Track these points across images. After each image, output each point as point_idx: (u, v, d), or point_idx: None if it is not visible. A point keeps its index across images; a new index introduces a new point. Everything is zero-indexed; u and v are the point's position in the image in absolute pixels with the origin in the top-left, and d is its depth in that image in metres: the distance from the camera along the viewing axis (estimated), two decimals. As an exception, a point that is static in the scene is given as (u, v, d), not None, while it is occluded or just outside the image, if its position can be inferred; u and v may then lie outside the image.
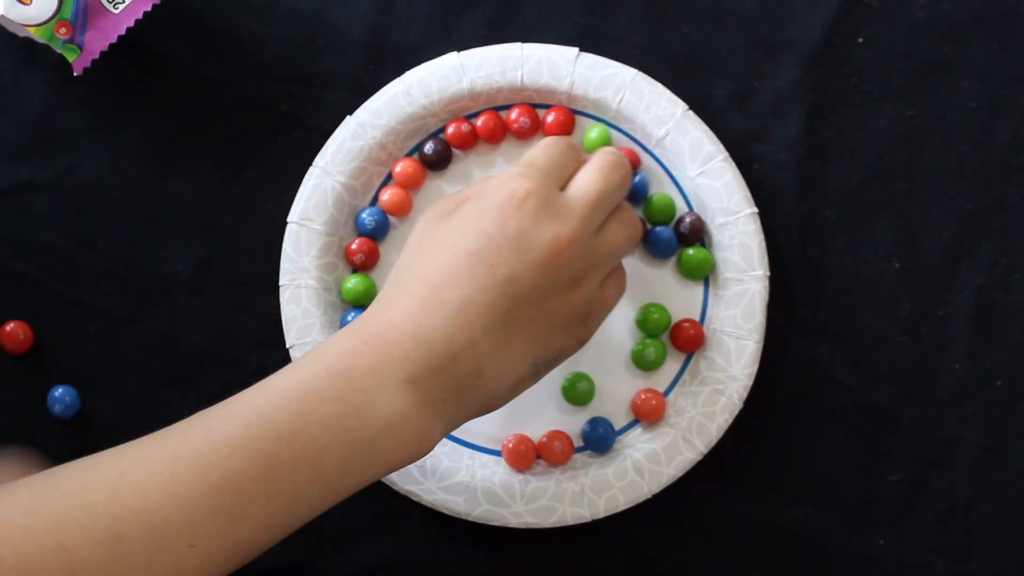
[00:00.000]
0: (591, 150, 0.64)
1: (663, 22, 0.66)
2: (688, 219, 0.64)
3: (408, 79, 0.64)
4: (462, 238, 0.55)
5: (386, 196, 0.65)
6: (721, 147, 0.64)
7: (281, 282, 0.64)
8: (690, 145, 0.64)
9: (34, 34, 0.61)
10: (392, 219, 0.65)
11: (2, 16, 0.61)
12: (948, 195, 0.66)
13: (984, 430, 0.65)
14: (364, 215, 0.64)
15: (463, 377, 0.53)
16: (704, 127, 0.64)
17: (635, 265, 0.65)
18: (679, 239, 0.64)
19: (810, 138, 0.66)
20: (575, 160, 0.59)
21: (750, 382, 0.63)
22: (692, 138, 0.64)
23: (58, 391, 0.64)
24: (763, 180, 0.65)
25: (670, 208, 0.65)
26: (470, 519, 0.63)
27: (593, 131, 0.64)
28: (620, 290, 0.60)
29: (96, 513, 0.48)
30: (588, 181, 0.57)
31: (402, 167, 0.65)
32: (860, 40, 0.66)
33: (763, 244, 0.64)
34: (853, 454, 0.65)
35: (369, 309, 0.55)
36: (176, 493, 0.49)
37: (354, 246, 0.64)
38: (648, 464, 0.63)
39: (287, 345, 0.64)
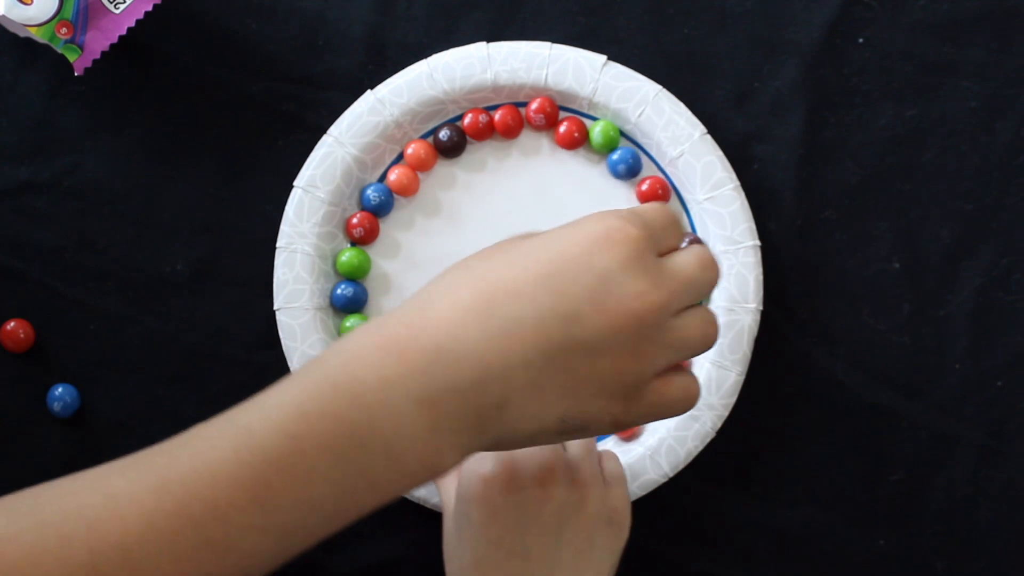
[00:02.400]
0: (597, 147, 0.64)
1: (663, 22, 0.66)
2: (687, 241, 0.64)
3: (434, 62, 0.64)
4: (538, 257, 0.48)
5: (394, 175, 0.65)
6: (733, 175, 0.64)
7: (278, 244, 0.64)
8: (703, 169, 0.64)
9: (35, 34, 0.62)
10: (397, 198, 0.65)
11: (3, 16, 0.61)
12: (948, 195, 0.66)
13: (984, 430, 0.65)
14: (369, 191, 0.64)
15: (486, 407, 0.47)
16: (719, 153, 0.64)
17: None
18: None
19: (810, 138, 0.66)
20: (676, 235, 0.52)
21: (726, 412, 0.63)
22: (705, 162, 0.64)
23: (58, 390, 0.64)
24: (763, 180, 0.65)
25: None
26: (428, 506, 0.63)
27: (596, 127, 0.64)
28: (687, 396, 0.51)
29: (74, 546, 0.45)
30: (689, 261, 0.51)
31: (414, 148, 0.65)
32: (860, 40, 0.66)
33: (760, 278, 0.64)
34: (853, 454, 0.65)
35: (403, 304, 0.49)
36: (158, 526, 0.45)
37: (355, 220, 0.64)
38: None
39: (275, 307, 0.64)
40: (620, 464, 0.59)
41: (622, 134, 0.65)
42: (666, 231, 0.51)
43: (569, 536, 0.54)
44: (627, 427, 0.51)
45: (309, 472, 0.46)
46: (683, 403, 0.51)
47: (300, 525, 0.46)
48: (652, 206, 0.52)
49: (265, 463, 0.45)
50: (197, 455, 0.46)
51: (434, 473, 0.47)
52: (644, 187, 0.64)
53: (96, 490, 0.46)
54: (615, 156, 0.64)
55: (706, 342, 0.51)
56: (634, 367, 0.49)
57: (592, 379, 0.48)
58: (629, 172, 0.65)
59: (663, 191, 0.64)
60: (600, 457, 0.58)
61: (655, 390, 0.50)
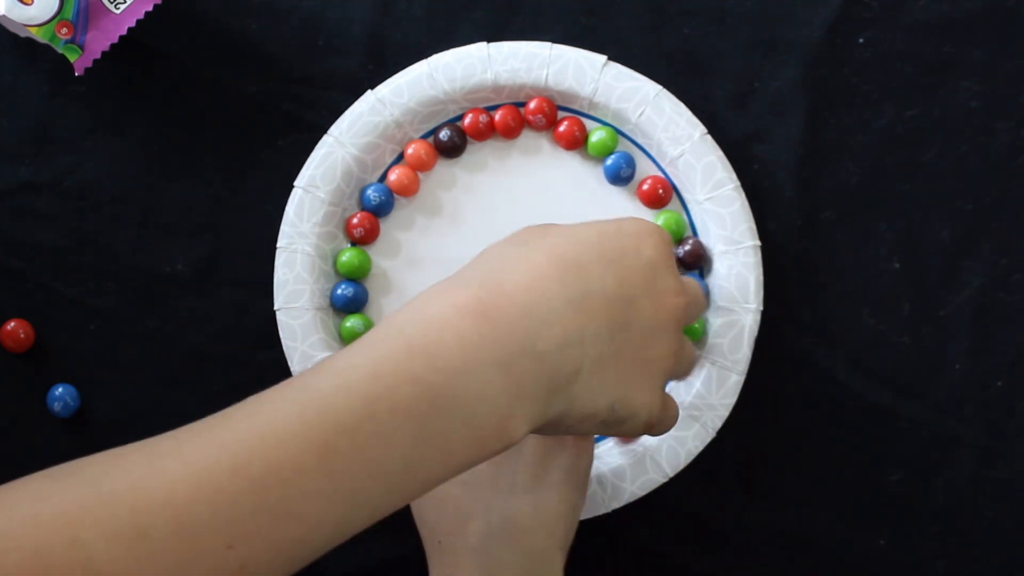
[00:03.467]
0: (595, 152, 0.64)
1: (663, 22, 0.66)
2: (688, 244, 0.64)
3: (434, 62, 0.64)
4: (595, 241, 0.50)
5: (394, 176, 0.65)
6: (733, 175, 0.64)
7: (278, 244, 0.64)
8: (703, 169, 0.64)
9: (35, 34, 0.62)
10: (398, 198, 0.65)
11: (3, 16, 0.61)
12: (948, 195, 0.66)
13: (984, 430, 0.65)
14: (370, 191, 0.64)
15: (560, 376, 0.47)
16: (719, 153, 0.64)
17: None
18: (677, 262, 0.64)
19: (810, 138, 0.66)
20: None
21: (726, 413, 0.63)
22: (706, 162, 0.64)
23: (58, 390, 0.64)
24: (763, 180, 0.65)
25: (681, 230, 0.65)
26: None
27: (595, 134, 0.64)
28: (676, 415, 0.55)
29: (116, 506, 0.42)
30: (693, 282, 0.56)
31: (415, 149, 0.65)
32: (860, 40, 0.66)
33: (760, 279, 0.64)
34: (853, 454, 0.65)
35: (468, 267, 0.49)
36: (211, 485, 0.42)
37: (355, 220, 0.65)
38: (613, 479, 0.63)
39: (275, 307, 0.64)
40: None
41: (623, 135, 0.65)
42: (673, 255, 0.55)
43: (524, 460, 0.55)
44: (651, 432, 0.53)
45: (380, 435, 0.44)
46: (674, 420, 0.54)
47: (365, 494, 0.44)
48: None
49: (334, 424, 0.43)
50: (257, 415, 0.44)
51: (505, 444, 0.46)
52: (645, 187, 0.64)
53: (143, 451, 0.44)
54: (608, 162, 0.64)
55: (690, 364, 0.58)
56: (671, 362, 0.52)
57: (643, 363, 0.50)
58: (621, 180, 0.65)
59: (664, 191, 0.64)
60: None
61: (669, 398, 0.54)
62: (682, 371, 0.56)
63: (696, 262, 0.64)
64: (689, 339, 0.57)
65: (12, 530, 0.41)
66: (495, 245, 0.51)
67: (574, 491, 0.56)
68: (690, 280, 0.56)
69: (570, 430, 0.50)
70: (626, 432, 0.52)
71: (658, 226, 0.54)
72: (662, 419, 0.53)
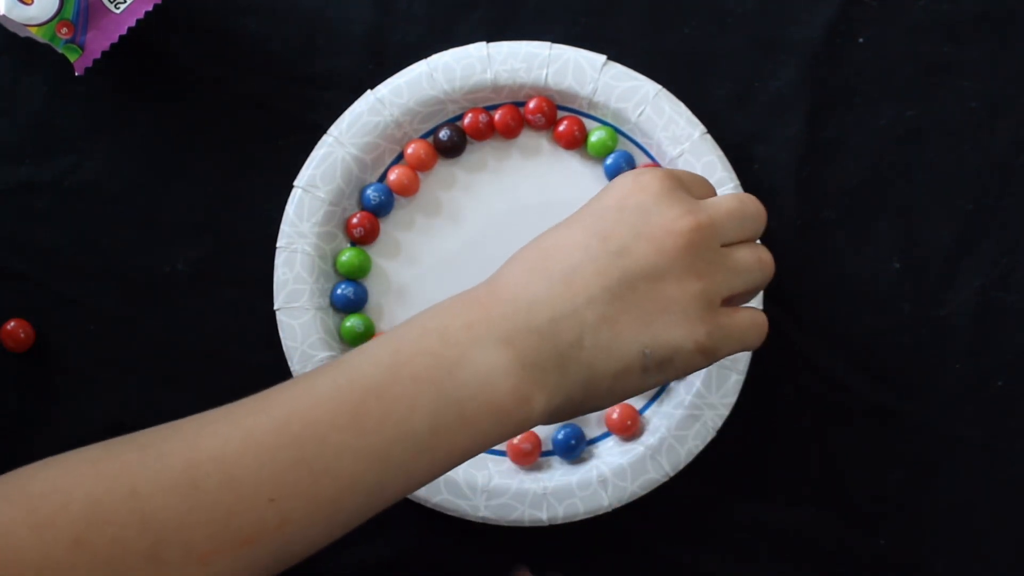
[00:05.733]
0: (594, 152, 0.64)
1: (663, 22, 0.66)
2: None
3: (434, 62, 0.64)
4: (581, 218, 0.54)
5: (394, 175, 0.65)
6: (733, 175, 0.64)
7: (278, 244, 0.64)
8: (703, 169, 0.63)
9: (35, 34, 0.62)
10: (397, 198, 0.65)
11: (3, 16, 0.61)
12: (948, 195, 0.66)
13: (984, 430, 0.65)
14: (369, 191, 0.64)
15: (564, 346, 0.51)
16: (719, 153, 0.64)
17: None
18: None
19: (810, 138, 0.66)
20: (709, 189, 0.57)
21: (727, 412, 0.63)
22: (705, 162, 0.64)
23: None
24: (763, 180, 0.65)
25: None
26: (428, 505, 0.63)
27: (595, 134, 0.64)
28: (756, 323, 0.55)
29: (172, 460, 0.47)
30: (726, 197, 0.55)
31: (414, 148, 0.65)
32: (860, 40, 0.66)
33: None
34: (853, 454, 0.65)
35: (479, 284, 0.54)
36: (256, 441, 0.48)
37: (355, 220, 0.65)
38: (613, 478, 0.63)
39: (275, 307, 0.64)
40: None
41: (623, 134, 0.65)
42: (696, 183, 0.56)
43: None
44: (712, 355, 0.53)
45: (404, 398, 0.49)
46: (754, 330, 0.55)
47: (396, 457, 0.49)
48: (682, 170, 0.57)
49: (363, 388, 0.49)
50: (296, 386, 0.50)
51: (526, 414, 0.50)
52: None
53: (195, 420, 0.50)
54: (608, 162, 0.65)
55: (763, 268, 0.55)
56: (698, 285, 0.52)
57: (660, 305, 0.52)
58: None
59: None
60: None
61: (726, 314, 0.54)
62: (754, 279, 0.55)
63: None
64: (747, 246, 0.55)
65: (73, 483, 0.47)
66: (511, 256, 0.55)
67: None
68: (724, 197, 0.55)
69: (614, 393, 0.52)
70: (686, 368, 0.53)
71: (649, 169, 0.55)
72: (723, 338, 0.53)
